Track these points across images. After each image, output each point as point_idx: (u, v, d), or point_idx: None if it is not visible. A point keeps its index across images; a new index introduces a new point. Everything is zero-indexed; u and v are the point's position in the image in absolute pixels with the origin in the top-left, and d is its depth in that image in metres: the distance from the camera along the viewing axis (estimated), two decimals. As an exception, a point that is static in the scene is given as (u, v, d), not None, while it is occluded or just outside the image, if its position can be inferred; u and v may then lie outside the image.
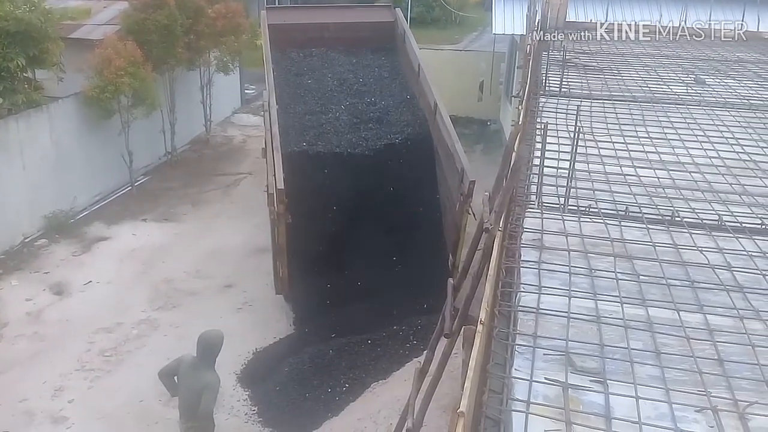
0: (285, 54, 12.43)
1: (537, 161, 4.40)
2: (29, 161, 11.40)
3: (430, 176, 10.05)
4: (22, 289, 10.17)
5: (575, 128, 3.94)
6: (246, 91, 20.15)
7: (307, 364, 8.01)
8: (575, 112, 4.30)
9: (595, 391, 2.41)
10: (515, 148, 3.94)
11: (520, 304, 2.96)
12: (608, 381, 2.46)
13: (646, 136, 5.63)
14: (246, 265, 10.91)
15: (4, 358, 8.62)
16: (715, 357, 2.63)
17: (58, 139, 12.03)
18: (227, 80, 17.23)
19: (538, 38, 9.10)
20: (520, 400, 2.34)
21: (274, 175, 8.58)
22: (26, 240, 11.42)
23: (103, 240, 11.83)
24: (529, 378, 2.47)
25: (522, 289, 3.07)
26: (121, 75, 11.96)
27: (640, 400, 2.34)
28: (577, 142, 3.96)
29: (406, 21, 13.71)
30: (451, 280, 3.94)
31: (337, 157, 9.75)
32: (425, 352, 4.17)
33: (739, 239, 3.70)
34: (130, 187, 13.71)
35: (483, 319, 2.64)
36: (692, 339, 2.74)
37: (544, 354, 2.63)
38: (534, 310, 2.92)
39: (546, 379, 2.46)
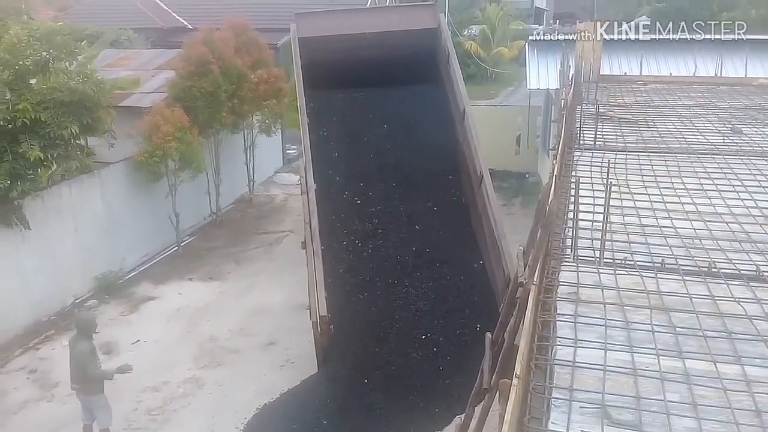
0: (320, 96, 11.48)
1: (572, 215, 4.47)
2: (81, 224, 11.86)
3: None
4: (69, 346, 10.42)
5: (607, 181, 4.01)
6: (287, 151, 20.67)
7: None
8: (609, 165, 4.38)
9: (631, 444, 2.43)
10: (548, 202, 4.01)
11: (556, 357, 3.00)
12: (645, 433, 2.48)
13: (682, 187, 5.65)
14: (288, 322, 11.02)
15: (56, 417, 8.82)
16: (753, 408, 2.63)
17: (108, 202, 12.51)
18: (269, 141, 17.76)
19: (571, 92, 9.21)
20: (557, 453, 2.38)
21: (316, 295, 8.25)
22: (77, 301, 11.76)
23: (150, 299, 12.12)
24: (565, 431, 2.50)
25: (558, 343, 3.12)
26: (169, 140, 12.45)
27: (676, 452, 2.36)
28: (609, 194, 4.03)
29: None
30: (489, 335, 3.99)
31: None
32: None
33: (778, 289, 3.69)
34: (176, 247, 14.07)
35: (518, 373, 2.70)
36: (729, 390, 2.74)
37: (581, 407, 2.66)
38: (570, 363, 2.95)
39: (582, 431, 2.49)
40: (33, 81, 10.85)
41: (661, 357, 3.00)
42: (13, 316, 10.62)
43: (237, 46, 14.95)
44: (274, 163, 19.81)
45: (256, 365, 9.94)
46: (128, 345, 10.53)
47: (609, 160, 4.82)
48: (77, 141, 11.47)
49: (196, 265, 13.55)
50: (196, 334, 10.94)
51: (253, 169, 17.06)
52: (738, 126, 7.86)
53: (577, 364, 2.94)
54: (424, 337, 8.82)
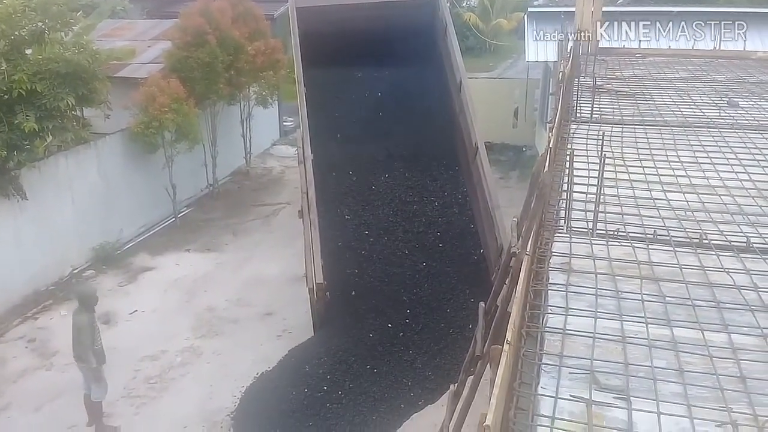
0: (317, 66, 11.33)
1: (566, 186, 4.51)
2: (78, 195, 11.87)
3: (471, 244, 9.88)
4: (71, 319, 10.50)
5: (601, 153, 4.04)
6: (284, 123, 20.61)
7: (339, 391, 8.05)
8: (605, 138, 4.41)
9: (618, 408, 2.50)
10: (542, 174, 4.04)
11: (547, 325, 3.06)
12: (632, 398, 2.55)
13: (677, 160, 5.69)
14: (285, 293, 11.11)
15: (54, 386, 8.92)
16: (738, 374, 2.70)
17: (105, 173, 12.51)
18: (266, 113, 17.68)
19: (569, 65, 9.20)
20: (546, 416, 2.44)
21: (313, 263, 8.39)
22: (75, 271, 11.82)
23: (148, 270, 12.18)
24: (554, 395, 2.57)
25: (549, 311, 3.18)
26: (165, 111, 12.41)
27: (662, 416, 2.43)
28: (603, 167, 4.06)
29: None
30: (482, 304, 4.05)
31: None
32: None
33: (767, 260, 3.74)
34: (173, 219, 14.10)
35: (510, 339, 2.76)
36: (715, 357, 2.81)
37: (570, 372, 2.73)
38: (561, 330, 3.02)
39: (571, 396, 2.55)
40: (29, 51, 10.79)
41: (649, 325, 3.06)
42: (12, 286, 10.67)
43: (234, 16, 14.81)
44: (270, 135, 19.74)
45: (253, 335, 10.04)
46: (126, 315, 10.61)
47: (604, 133, 4.84)
48: (73, 112, 11.42)
49: (194, 236, 13.60)
50: (193, 304, 11.02)
51: (249, 141, 17.01)
52: (735, 99, 7.87)
53: (567, 332, 3.00)
54: (418, 304, 8.96)
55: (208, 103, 14.53)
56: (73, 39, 11.32)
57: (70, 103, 10.64)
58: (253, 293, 11.29)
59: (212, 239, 13.49)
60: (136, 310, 10.78)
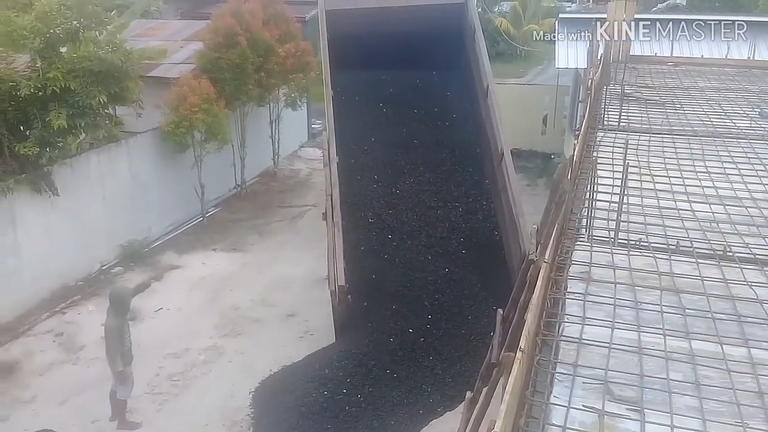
0: (345, 69, 11.49)
1: (589, 195, 4.47)
2: (108, 192, 12.07)
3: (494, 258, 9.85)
4: (99, 314, 10.61)
5: (624, 162, 4.01)
6: (313, 125, 20.72)
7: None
8: (632, 147, 4.36)
9: (631, 419, 2.47)
10: (563, 181, 4.02)
11: (563, 333, 3.04)
12: (645, 410, 2.52)
13: (704, 170, 5.60)
14: (308, 294, 11.17)
15: (80, 380, 9.07)
16: (756, 390, 2.65)
17: (135, 171, 12.70)
18: (295, 115, 17.80)
19: (599, 72, 9.11)
20: (557, 425, 2.42)
21: (335, 265, 8.44)
22: (103, 267, 12.01)
23: (174, 268, 12.33)
24: (567, 405, 2.55)
25: (566, 320, 3.15)
26: (195, 111, 12.57)
27: (675, 429, 2.39)
28: (626, 175, 4.02)
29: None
30: (500, 311, 4.03)
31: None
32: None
33: (792, 274, 3.67)
34: (201, 218, 14.26)
35: (523, 347, 2.74)
36: (734, 372, 2.76)
37: (584, 382, 2.70)
38: (576, 340, 2.99)
39: (583, 406, 2.53)
40: (63, 49, 10.99)
41: (667, 337, 3.02)
42: (41, 281, 10.88)
43: (265, 18, 14.95)
44: (299, 137, 19.88)
45: (275, 335, 10.11)
46: (152, 312, 10.74)
47: (628, 141, 4.79)
48: (105, 110, 11.61)
49: (221, 236, 13.73)
50: (218, 303, 11.13)
51: (278, 143, 17.15)
52: (767, 110, 7.72)
53: (583, 341, 2.97)
54: (439, 310, 8.94)
55: (238, 104, 14.69)
56: (106, 38, 11.51)
57: (102, 101, 10.81)
58: (277, 294, 11.37)
59: (238, 239, 13.62)
60: (162, 308, 10.91)
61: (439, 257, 9.63)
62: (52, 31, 10.70)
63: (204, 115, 12.72)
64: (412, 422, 7.68)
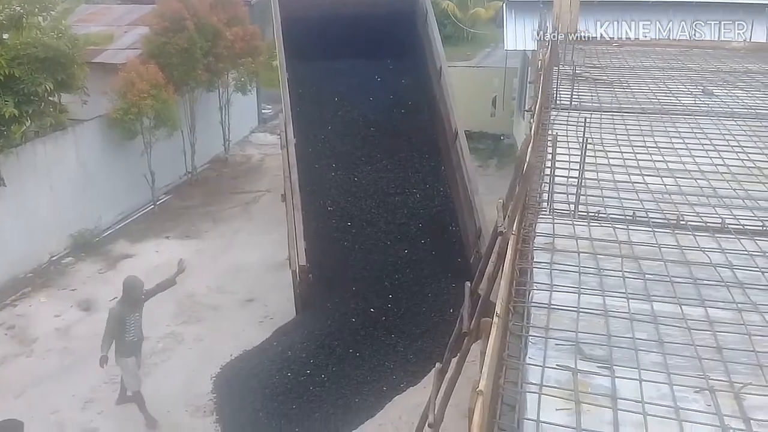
0: (297, 52, 11.43)
1: (549, 171, 4.63)
2: (56, 182, 11.78)
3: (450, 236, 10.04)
4: (51, 305, 10.48)
5: (583, 138, 4.16)
6: (263, 110, 20.54)
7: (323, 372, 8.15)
8: (584, 124, 4.53)
9: (602, 376, 2.62)
10: (526, 157, 4.16)
11: (533, 300, 3.18)
12: (614, 367, 2.67)
13: (654, 145, 5.84)
14: (266, 279, 11.15)
15: (36, 373, 8.89)
16: (714, 345, 2.83)
17: (83, 160, 12.42)
18: (245, 100, 17.62)
19: (548, 53, 9.32)
20: (534, 384, 2.56)
21: (296, 245, 8.49)
22: (53, 258, 11.76)
23: (127, 257, 12.14)
24: (542, 365, 2.68)
25: (535, 288, 3.29)
26: (144, 97, 12.33)
27: (643, 383, 2.55)
28: (584, 151, 4.18)
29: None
30: (468, 283, 4.16)
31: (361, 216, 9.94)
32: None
33: (741, 240, 3.89)
34: (152, 206, 14.05)
35: (499, 313, 2.86)
36: (693, 330, 2.94)
37: (556, 344, 2.85)
38: (546, 305, 3.13)
39: (557, 365, 2.67)
40: (6, 36, 10.66)
41: (630, 300, 3.19)
42: (-10, 273, 10.60)
43: (212, 2, 14.71)
44: (249, 122, 19.68)
45: (234, 321, 10.08)
46: (106, 301, 10.54)
47: (585, 119, 4.96)
48: (51, 97, 11.34)
49: (173, 223, 13.56)
50: (174, 291, 10.89)
51: (228, 129, 16.97)
52: (709, 88, 8.05)
53: (552, 306, 3.12)
54: (399, 289, 9.08)
55: (187, 89, 14.45)
56: (51, 24, 11.20)
57: (48, 88, 10.57)
58: (233, 280, 11.31)
59: (191, 227, 13.47)
60: (116, 297, 10.61)
61: (398, 242, 9.75)
62: (-7, 17, 10.38)
63: (153, 101, 12.49)
64: (376, 399, 7.80)
